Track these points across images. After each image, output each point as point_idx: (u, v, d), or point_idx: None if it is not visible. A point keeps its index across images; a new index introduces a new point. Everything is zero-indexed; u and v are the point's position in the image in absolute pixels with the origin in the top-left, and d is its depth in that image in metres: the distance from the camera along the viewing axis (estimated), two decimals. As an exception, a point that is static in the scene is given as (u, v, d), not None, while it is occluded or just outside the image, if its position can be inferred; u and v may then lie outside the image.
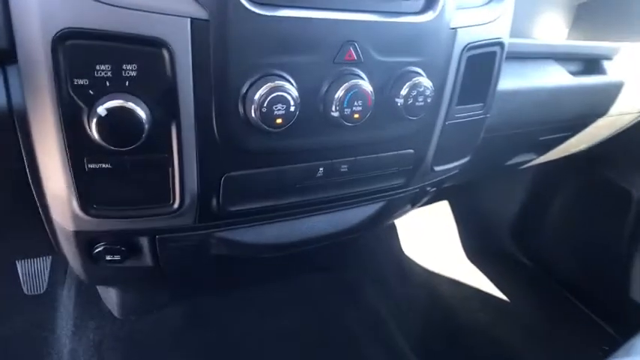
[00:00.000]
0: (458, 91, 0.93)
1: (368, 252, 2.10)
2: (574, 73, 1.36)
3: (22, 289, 1.51)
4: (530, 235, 2.16)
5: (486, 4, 0.94)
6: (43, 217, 0.85)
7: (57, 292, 1.60)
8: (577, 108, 1.39)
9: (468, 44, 0.90)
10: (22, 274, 1.49)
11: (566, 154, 1.76)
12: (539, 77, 1.25)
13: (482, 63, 0.96)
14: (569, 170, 1.99)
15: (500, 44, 0.97)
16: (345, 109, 0.74)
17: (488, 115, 1.04)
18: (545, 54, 1.30)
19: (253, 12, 0.66)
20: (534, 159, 1.65)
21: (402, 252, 2.20)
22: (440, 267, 2.16)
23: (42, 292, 1.53)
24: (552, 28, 1.64)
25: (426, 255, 2.19)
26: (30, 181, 0.76)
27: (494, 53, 0.97)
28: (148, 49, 0.64)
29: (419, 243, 2.23)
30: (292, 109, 0.70)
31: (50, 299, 1.58)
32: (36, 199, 0.80)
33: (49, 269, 1.50)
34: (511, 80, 1.16)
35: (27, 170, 0.75)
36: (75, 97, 0.63)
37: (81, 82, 0.62)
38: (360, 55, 0.75)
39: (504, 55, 0.99)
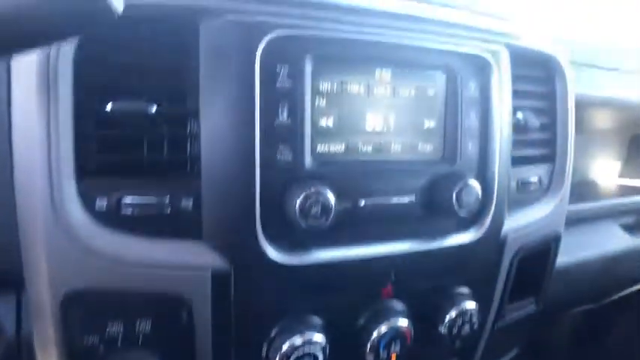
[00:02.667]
0: (508, 294, 0.84)
1: None
2: (633, 227, 1.25)
3: None
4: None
5: (542, 196, 0.86)
6: None
7: None
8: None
9: (520, 248, 0.81)
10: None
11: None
12: (596, 244, 1.15)
13: (536, 259, 0.87)
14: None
15: (556, 238, 0.88)
16: (382, 352, 0.66)
17: (541, 308, 0.94)
18: (601, 214, 1.20)
19: (279, 262, 0.59)
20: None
21: None
22: None
23: None
24: (605, 163, 1.55)
25: None
26: None
27: (548, 248, 0.88)
28: (164, 304, 0.58)
29: None
30: None
31: None
32: None
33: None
34: (563, 256, 1.05)
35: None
36: (83, 353, 0.57)
37: (91, 339, 0.57)
38: (399, 289, 0.68)
39: (559, 245, 0.90)
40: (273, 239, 0.59)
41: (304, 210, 0.56)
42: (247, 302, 0.60)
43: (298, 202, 0.56)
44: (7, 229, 0.59)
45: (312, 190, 0.57)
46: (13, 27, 0.38)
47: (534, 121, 0.82)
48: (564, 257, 1.05)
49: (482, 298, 0.76)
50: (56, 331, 0.56)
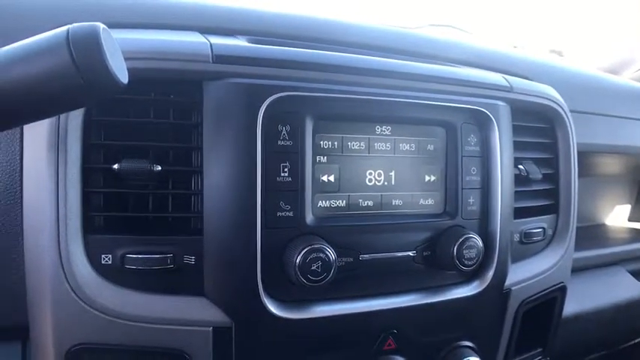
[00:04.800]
0: (514, 347, 0.83)
1: None
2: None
3: None
4: None
5: (546, 247, 0.86)
6: None
7: None
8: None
9: (524, 300, 0.81)
10: None
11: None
12: (605, 292, 1.13)
13: (542, 310, 0.86)
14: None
15: (562, 289, 0.87)
16: None
17: (549, 359, 0.92)
18: (609, 260, 1.19)
19: (279, 316, 0.60)
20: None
21: None
22: None
23: None
24: (615, 206, 1.54)
25: None
26: None
27: (554, 299, 0.87)
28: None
29: None
30: None
31: None
32: None
33: None
34: (572, 303, 1.04)
35: None
36: None
37: None
38: (401, 343, 0.67)
39: (565, 296, 0.90)
40: (273, 294, 0.60)
41: (304, 267, 0.57)
42: (248, 357, 0.60)
43: (298, 258, 0.57)
44: (15, 281, 0.60)
45: (313, 246, 0.57)
46: (27, 101, 0.40)
47: (537, 173, 0.83)
48: (574, 305, 1.04)
49: (487, 351, 0.75)
50: None
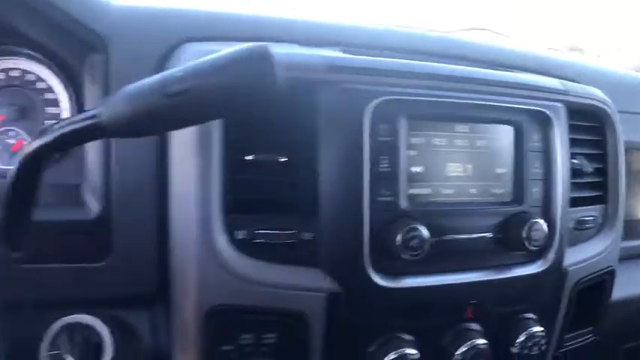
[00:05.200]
0: (568, 322, 0.93)
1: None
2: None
3: None
4: None
5: (597, 234, 0.96)
6: None
7: None
8: None
9: (578, 280, 0.91)
10: None
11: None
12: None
13: (593, 291, 0.96)
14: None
15: (611, 272, 0.97)
16: None
17: (598, 337, 1.02)
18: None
19: (382, 286, 0.71)
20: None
21: None
22: None
23: None
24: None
25: None
26: None
27: (604, 281, 0.97)
28: (286, 320, 0.70)
29: None
30: None
31: None
32: None
33: None
34: (622, 288, 1.12)
35: None
36: None
37: (226, 348, 0.69)
38: (479, 312, 0.78)
39: (614, 279, 0.99)
40: (376, 267, 0.71)
41: (406, 243, 0.68)
42: (354, 319, 0.71)
43: (401, 236, 0.68)
44: (159, 255, 0.73)
45: (411, 225, 0.69)
46: (216, 104, 0.52)
47: (588, 166, 0.93)
48: (621, 291, 1.12)
49: (547, 324, 0.85)
50: (199, 340, 0.69)
